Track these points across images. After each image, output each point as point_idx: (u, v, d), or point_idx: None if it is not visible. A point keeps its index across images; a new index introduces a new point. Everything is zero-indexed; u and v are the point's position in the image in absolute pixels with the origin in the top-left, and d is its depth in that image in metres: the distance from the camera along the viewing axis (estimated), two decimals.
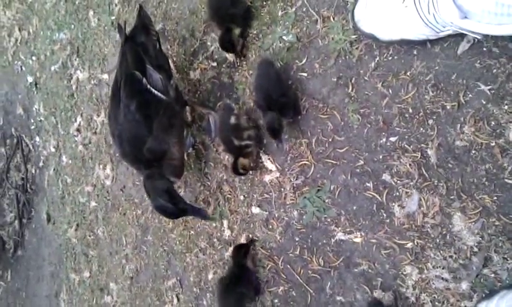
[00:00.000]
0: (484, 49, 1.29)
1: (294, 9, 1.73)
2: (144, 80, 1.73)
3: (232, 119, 1.74)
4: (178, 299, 2.19)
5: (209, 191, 2.04)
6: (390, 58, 1.48)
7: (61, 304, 3.16)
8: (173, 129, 1.82)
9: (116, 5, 2.62)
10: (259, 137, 1.81)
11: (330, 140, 1.62)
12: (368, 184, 1.53)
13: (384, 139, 1.49)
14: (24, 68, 3.61)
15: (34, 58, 3.45)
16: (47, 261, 3.35)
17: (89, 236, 2.85)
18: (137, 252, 2.46)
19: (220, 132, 1.81)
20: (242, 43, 1.88)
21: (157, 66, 1.80)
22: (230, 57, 1.92)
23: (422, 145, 1.40)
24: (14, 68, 3.72)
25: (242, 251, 1.78)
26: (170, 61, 2.19)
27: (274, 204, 1.78)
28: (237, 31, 1.83)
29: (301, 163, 1.70)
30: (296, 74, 1.71)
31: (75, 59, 2.97)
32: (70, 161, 3.04)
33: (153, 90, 1.75)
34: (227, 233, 1.95)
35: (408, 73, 1.43)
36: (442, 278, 1.35)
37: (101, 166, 2.74)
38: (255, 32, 1.86)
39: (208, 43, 2.05)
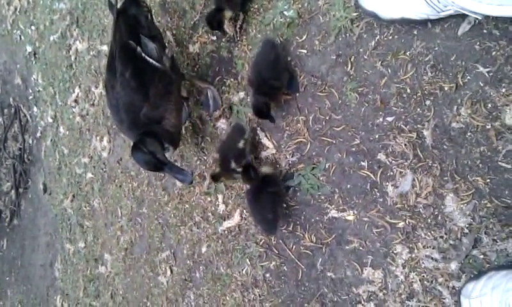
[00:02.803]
0: (485, 31, 1.28)
1: None
2: (138, 48, 1.73)
3: (241, 144, 1.74)
4: (172, 271, 2.21)
5: (205, 166, 2.05)
6: (390, 37, 1.47)
7: (56, 273, 3.19)
8: (170, 96, 1.81)
9: None
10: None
11: (327, 118, 1.62)
12: (363, 163, 1.53)
13: (381, 119, 1.49)
14: (23, 38, 3.58)
15: (33, 27, 3.43)
16: (43, 231, 3.37)
17: (85, 207, 2.87)
18: (132, 224, 2.48)
19: (223, 149, 1.79)
20: (242, 18, 1.87)
21: (151, 37, 1.80)
22: (230, 31, 1.90)
23: (418, 126, 1.40)
24: (13, 37, 3.70)
25: (250, 173, 1.71)
26: (169, 33, 2.18)
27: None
28: (228, 14, 1.82)
29: (298, 140, 1.70)
30: (296, 51, 1.71)
31: (75, 30, 2.95)
32: (67, 132, 3.03)
33: (148, 58, 1.75)
34: (222, 207, 1.96)
35: (408, 53, 1.43)
36: (432, 258, 1.37)
37: (98, 138, 2.74)
38: (255, 6, 1.84)
39: None
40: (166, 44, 1.96)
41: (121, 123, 1.78)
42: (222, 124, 1.96)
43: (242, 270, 1.87)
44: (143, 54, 1.73)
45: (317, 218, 1.64)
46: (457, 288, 1.32)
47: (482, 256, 1.29)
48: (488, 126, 1.28)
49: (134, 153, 1.67)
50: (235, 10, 1.84)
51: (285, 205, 1.72)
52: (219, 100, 1.99)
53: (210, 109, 2.02)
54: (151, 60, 1.75)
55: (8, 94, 3.79)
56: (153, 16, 1.90)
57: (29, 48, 3.48)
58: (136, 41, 1.74)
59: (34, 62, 3.44)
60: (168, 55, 1.84)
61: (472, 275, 1.29)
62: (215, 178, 1.79)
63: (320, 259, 1.63)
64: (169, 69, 1.82)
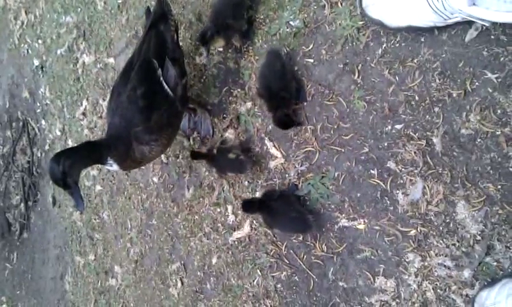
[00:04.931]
0: (492, 37, 1.28)
1: None
2: (159, 71, 1.72)
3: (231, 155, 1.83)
4: (182, 283, 2.21)
5: (214, 176, 2.05)
6: (397, 45, 1.47)
7: (66, 286, 3.20)
8: (168, 129, 1.79)
9: None
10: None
11: (335, 127, 1.62)
12: (372, 171, 1.53)
13: (389, 127, 1.49)
14: (30, 51, 3.62)
15: (40, 41, 3.46)
16: (53, 243, 3.39)
17: (95, 219, 2.88)
18: (142, 236, 2.48)
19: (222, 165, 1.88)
20: (248, 28, 1.87)
21: (173, 59, 1.78)
22: (236, 42, 1.91)
23: (428, 133, 1.40)
24: (20, 51, 3.73)
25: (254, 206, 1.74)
26: None
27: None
28: (219, 42, 1.84)
29: (306, 149, 1.70)
30: (302, 60, 1.71)
31: (82, 43, 2.97)
32: (76, 145, 3.04)
33: (164, 84, 1.73)
34: (231, 218, 1.96)
35: (415, 61, 1.43)
36: (445, 266, 1.36)
37: None
38: (261, 17, 1.85)
39: None
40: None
41: (110, 120, 1.76)
42: (230, 134, 1.96)
43: (253, 281, 1.86)
44: (161, 78, 1.72)
45: (328, 227, 1.64)
46: (470, 296, 1.31)
47: (495, 264, 1.28)
48: (497, 132, 1.27)
49: (51, 162, 1.55)
50: (228, 41, 1.86)
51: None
52: (210, 128, 2.03)
53: (201, 132, 2.06)
54: (166, 87, 1.73)
55: (16, 108, 3.82)
56: (179, 37, 1.91)
57: (36, 62, 3.50)
58: (160, 62, 1.73)
59: (41, 75, 3.46)
60: (183, 84, 1.82)
61: (486, 283, 1.28)
62: (194, 155, 1.89)
63: (331, 269, 1.62)
64: (178, 100, 1.79)
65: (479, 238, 1.31)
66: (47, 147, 3.42)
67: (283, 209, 1.65)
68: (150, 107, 1.70)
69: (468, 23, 1.30)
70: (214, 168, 1.88)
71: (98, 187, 2.82)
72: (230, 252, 1.97)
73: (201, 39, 1.80)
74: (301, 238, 1.71)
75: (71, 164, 1.54)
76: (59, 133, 3.24)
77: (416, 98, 1.42)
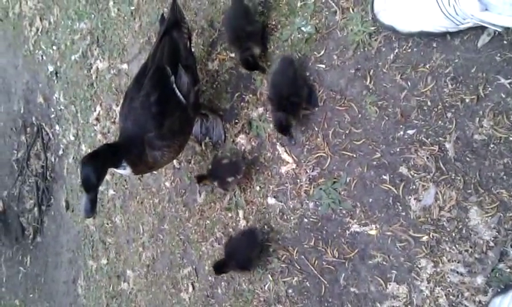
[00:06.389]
0: (505, 42, 1.28)
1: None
2: (172, 78, 1.74)
3: (230, 179, 1.88)
4: (194, 287, 2.22)
5: None
6: (409, 50, 1.47)
7: (79, 290, 3.22)
8: (180, 135, 1.81)
9: None
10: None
11: (347, 132, 1.62)
12: (384, 177, 1.52)
13: (401, 132, 1.48)
14: (44, 57, 3.66)
15: (54, 47, 3.50)
16: (66, 247, 3.41)
17: (107, 224, 2.90)
18: (154, 240, 2.50)
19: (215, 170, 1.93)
20: (261, 33, 1.88)
21: (186, 67, 1.80)
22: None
23: (440, 138, 1.40)
24: (35, 57, 3.78)
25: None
26: None
27: (290, 195, 1.79)
28: (257, 51, 1.83)
29: (318, 155, 1.70)
30: (314, 65, 1.71)
31: (95, 49, 3.00)
32: (89, 150, 3.07)
33: (177, 91, 1.75)
34: (242, 223, 1.97)
35: (427, 66, 1.43)
36: (457, 272, 1.35)
37: None
38: (273, 23, 1.86)
39: None
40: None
41: (122, 125, 1.78)
42: (242, 140, 1.97)
43: (265, 286, 1.86)
44: (174, 85, 1.74)
45: (339, 233, 1.64)
46: (483, 303, 1.30)
47: (508, 270, 1.27)
48: (511, 138, 1.27)
49: (85, 167, 1.53)
50: (259, 45, 1.84)
51: (306, 220, 1.72)
52: (222, 133, 2.04)
53: (213, 137, 2.07)
54: (179, 94, 1.75)
55: (31, 113, 3.87)
56: (192, 44, 1.93)
57: (50, 68, 3.54)
58: (173, 69, 1.75)
59: (56, 81, 3.50)
60: (195, 91, 1.84)
61: (499, 290, 1.27)
62: (199, 179, 1.93)
63: (343, 275, 1.62)
64: (191, 106, 1.81)
65: (492, 244, 1.30)
66: (60, 152, 3.45)
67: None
68: (162, 114, 1.72)
69: (481, 29, 1.30)
70: (216, 184, 1.91)
71: (111, 192, 2.84)
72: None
73: (246, 65, 1.83)
74: (312, 244, 1.71)
75: (103, 167, 1.59)
76: (72, 138, 3.27)
77: (429, 103, 1.42)
